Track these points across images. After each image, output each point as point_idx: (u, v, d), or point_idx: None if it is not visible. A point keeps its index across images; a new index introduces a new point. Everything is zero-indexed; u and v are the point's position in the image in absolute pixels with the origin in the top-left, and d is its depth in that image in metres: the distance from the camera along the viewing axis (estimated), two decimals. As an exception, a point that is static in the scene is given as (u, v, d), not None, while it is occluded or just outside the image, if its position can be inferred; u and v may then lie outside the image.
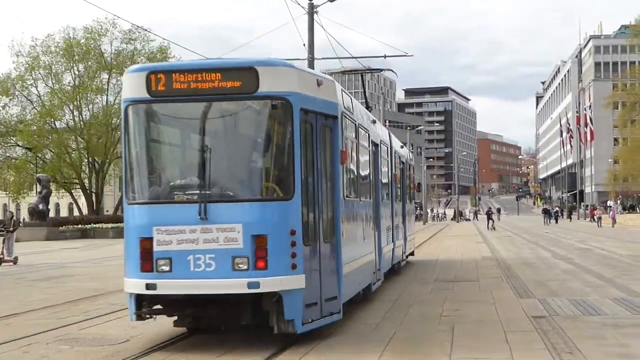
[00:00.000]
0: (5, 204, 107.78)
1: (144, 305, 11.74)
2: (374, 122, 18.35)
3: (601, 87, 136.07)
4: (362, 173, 15.65)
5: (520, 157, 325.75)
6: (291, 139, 11.39)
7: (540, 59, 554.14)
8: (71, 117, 75.02)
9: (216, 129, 11.95)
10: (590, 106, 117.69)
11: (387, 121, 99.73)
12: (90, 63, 75.45)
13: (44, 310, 16.43)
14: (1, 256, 31.16)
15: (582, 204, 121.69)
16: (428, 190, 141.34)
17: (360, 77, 24.73)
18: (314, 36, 31.64)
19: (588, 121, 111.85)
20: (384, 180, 20.02)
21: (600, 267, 25.18)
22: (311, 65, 31.73)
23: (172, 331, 13.13)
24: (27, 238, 55.00)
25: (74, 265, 30.49)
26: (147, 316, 11.96)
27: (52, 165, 73.07)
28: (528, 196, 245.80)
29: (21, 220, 73.30)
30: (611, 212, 78.51)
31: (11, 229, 32.17)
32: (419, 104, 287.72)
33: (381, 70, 25.82)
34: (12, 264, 30.63)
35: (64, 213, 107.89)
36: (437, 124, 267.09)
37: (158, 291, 11.31)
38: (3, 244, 31.84)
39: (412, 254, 29.33)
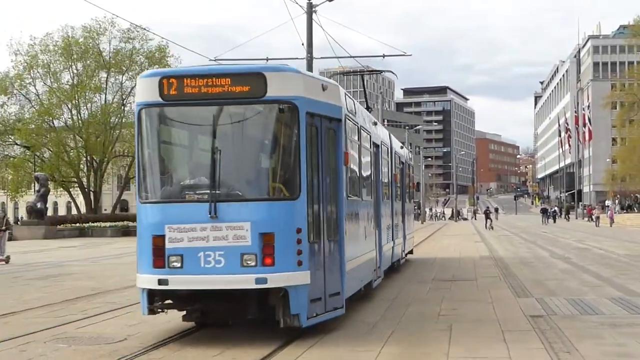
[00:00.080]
0: (4, 202, 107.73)
1: (156, 300, 12.21)
2: (375, 123, 18.80)
3: (600, 87, 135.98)
4: (364, 173, 16.19)
5: (518, 156, 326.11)
6: (297, 142, 11.85)
7: (538, 59, 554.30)
8: (69, 116, 75.05)
9: (225, 132, 12.27)
10: (588, 106, 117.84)
11: (386, 120, 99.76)
12: (88, 62, 75.41)
13: (42, 309, 16.41)
14: None
15: (581, 203, 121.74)
16: (426, 190, 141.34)
17: (360, 78, 24.92)
18: (312, 36, 31.65)
19: (586, 121, 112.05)
20: (385, 180, 20.45)
21: (598, 267, 25.20)
22: (310, 64, 31.75)
23: (170, 329, 13.17)
24: (25, 237, 55.05)
25: (71, 263, 30.47)
26: (159, 310, 12.40)
27: (51, 163, 72.99)
28: (526, 196, 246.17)
29: (19, 218, 73.25)
30: (609, 212, 78.54)
31: (3, 227, 32.10)
32: (418, 104, 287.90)
33: (381, 71, 26.56)
34: (3, 262, 30.55)
35: (62, 212, 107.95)
36: (436, 124, 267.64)
37: (170, 286, 11.75)
38: None
39: (411, 252, 29.83)
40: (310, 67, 31.85)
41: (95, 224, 63.54)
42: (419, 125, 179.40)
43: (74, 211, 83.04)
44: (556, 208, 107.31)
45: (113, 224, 64.07)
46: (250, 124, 12.54)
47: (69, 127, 74.34)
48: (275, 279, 11.45)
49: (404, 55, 34.81)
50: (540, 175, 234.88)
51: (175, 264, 11.66)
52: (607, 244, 40.19)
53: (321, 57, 35.23)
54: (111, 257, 34.34)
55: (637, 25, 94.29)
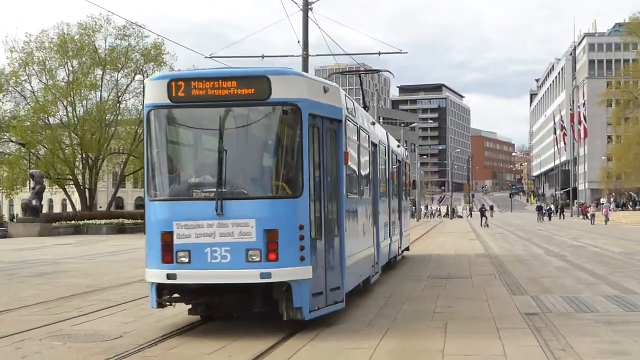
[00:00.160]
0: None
1: (165, 293, 12.68)
2: (373, 123, 19.37)
3: (595, 85, 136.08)
4: (363, 172, 16.76)
5: (513, 154, 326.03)
6: (300, 142, 12.35)
7: (534, 57, 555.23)
8: (65, 113, 74.82)
9: (231, 132, 12.69)
10: (584, 104, 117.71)
11: (381, 118, 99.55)
12: (84, 59, 75.23)
13: (37, 306, 16.39)
14: None
15: (576, 201, 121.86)
16: (422, 187, 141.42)
17: (358, 77, 25.35)
18: (308, 33, 31.66)
19: (582, 119, 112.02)
20: (382, 179, 20.97)
21: (593, 264, 25.23)
22: (305, 62, 31.76)
23: (166, 326, 13.19)
24: (20, 234, 55.01)
25: (66, 261, 30.44)
26: (167, 304, 12.90)
27: (46, 161, 72.84)
28: (521, 193, 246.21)
29: (14, 215, 73.13)
30: (604, 210, 78.62)
31: None
32: (413, 101, 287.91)
33: (379, 70, 27.44)
34: None
35: (57, 209, 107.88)
36: (431, 121, 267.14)
37: (178, 280, 12.21)
38: None
39: (407, 249, 30.24)
40: (305, 65, 31.85)
41: (90, 222, 63.40)
42: (414, 122, 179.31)
43: (69, 208, 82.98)
44: (552, 206, 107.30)
45: (108, 221, 63.96)
46: (255, 125, 12.96)
47: (64, 125, 74.17)
48: (279, 274, 11.93)
49: (399, 52, 34.86)
50: (535, 173, 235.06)
51: (183, 259, 12.12)
52: (602, 241, 40.23)
53: (317, 55, 35.29)
54: (106, 255, 34.32)
55: (632, 23, 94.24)
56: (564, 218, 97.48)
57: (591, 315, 13.90)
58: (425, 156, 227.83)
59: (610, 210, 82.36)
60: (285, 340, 11.84)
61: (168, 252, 12.22)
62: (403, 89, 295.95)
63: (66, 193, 78.78)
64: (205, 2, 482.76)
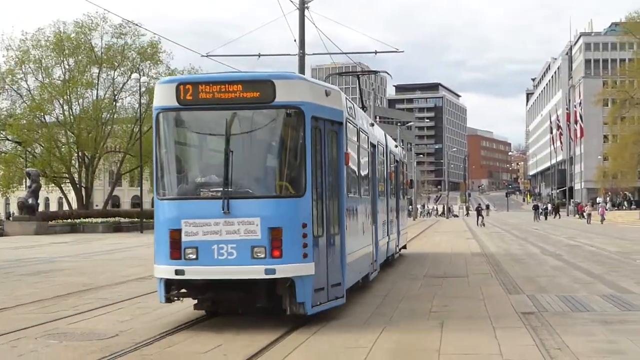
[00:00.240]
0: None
1: (173, 289, 13.11)
2: (372, 125, 19.97)
3: (591, 84, 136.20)
4: (362, 172, 17.26)
5: (510, 153, 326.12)
6: (303, 143, 12.82)
7: (530, 56, 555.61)
8: (61, 112, 74.64)
9: (237, 134, 13.12)
10: (580, 103, 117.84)
11: (378, 117, 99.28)
12: (80, 57, 75.08)
13: (33, 305, 16.38)
14: None
15: (572, 200, 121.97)
16: (418, 186, 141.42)
17: (357, 79, 25.64)
18: (304, 32, 31.64)
19: (578, 118, 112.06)
20: (381, 179, 21.47)
21: (589, 264, 25.26)
22: (302, 61, 31.74)
23: (162, 325, 13.18)
24: (16, 232, 54.95)
25: (63, 259, 30.41)
26: (175, 298, 13.32)
27: (42, 159, 72.71)
28: (518, 192, 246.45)
29: (10, 214, 73.02)
30: (600, 209, 78.68)
31: None
32: (410, 100, 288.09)
33: (377, 72, 28.24)
34: None
35: (53, 207, 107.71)
36: (428, 120, 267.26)
37: (186, 276, 12.68)
38: None
39: (404, 247, 30.67)
40: (302, 64, 31.84)
41: (86, 220, 63.29)
42: (410, 121, 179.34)
43: (65, 207, 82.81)
44: (549, 205, 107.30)
45: (104, 219, 63.89)
46: (260, 127, 13.46)
47: (60, 123, 74.02)
48: (283, 270, 12.38)
49: (396, 52, 34.78)
50: (531, 172, 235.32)
51: (190, 255, 12.57)
52: (599, 241, 40.27)
53: (313, 54, 35.28)
54: (103, 253, 34.29)
55: (628, 22, 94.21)
56: (559, 217, 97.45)
57: (587, 315, 13.92)
58: (421, 155, 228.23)
59: (606, 210, 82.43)
60: (281, 339, 11.85)
61: (176, 249, 12.66)
62: (399, 88, 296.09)
63: (62, 191, 78.66)
64: (201, 1, 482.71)
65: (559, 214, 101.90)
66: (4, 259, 30.58)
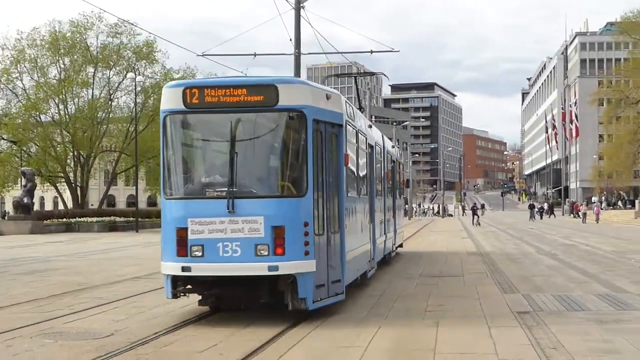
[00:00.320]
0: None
1: (179, 285, 13.64)
2: (370, 126, 20.49)
3: (587, 84, 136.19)
4: (361, 173, 17.78)
5: (505, 153, 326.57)
6: (305, 145, 13.32)
7: (526, 56, 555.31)
8: (56, 111, 74.50)
9: (241, 136, 13.58)
10: (575, 103, 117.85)
11: (374, 116, 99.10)
12: (76, 56, 74.96)
13: (28, 304, 16.37)
14: None
15: (567, 200, 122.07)
16: (413, 186, 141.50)
17: (353, 80, 25.87)
18: (300, 31, 31.65)
19: (573, 118, 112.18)
20: (378, 178, 21.94)
21: (585, 263, 25.29)
22: (298, 60, 31.75)
23: (157, 324, 13.18)
24: (11, 231, 54.88)
25: (58, 259, 30.40)
26: (181, 294, 13.85)
27: (37, 158, 72.60)
28: (513, 192, 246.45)
29: (5, 213, 72.87)
30: (595, 209, 78.73)
31: None
32: (405, 100, 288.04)
33: (374, 73, 28.64)
34: None
35: (48, 207, 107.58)
36: (423, 120, 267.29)
37: (192, 273, 13.19)
38: None
39: (401, 245, 31.13)
40: (298, 63, 31.85)
41: (82, 219, 63.28)
42: (406, 121, 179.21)
43: (60, 206, 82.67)
44: (545, 205, 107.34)
45: (100, 219, 63.86)
46: (263, 129, 13.97)
47: (55, 122, 73.90)
48: (286, 267, 12.89)
49: (391, 51, 34.75)
50: (527, 172, 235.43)
51: (196, 253, 13.06)
52: (594, 240, 40.30)
53: (309, 53, 35.42)
54: (98, 253, 34.27)
55: (624, 22, 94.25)
56: (554, 217, 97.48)
57: (582, 314, 13.93)
58: (417, 155, 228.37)
59: (601, 209, 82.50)
60: (276, 338, 11.85)
61: (183, 246, 13.13)
62: (395, 88, 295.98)
63: (58, 191, 78.52)
64: (198, 1, 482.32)
65: (554, 214, 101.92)
66: (-1, 259, 30.57)
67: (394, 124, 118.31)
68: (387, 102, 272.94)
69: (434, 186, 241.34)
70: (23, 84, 74.76)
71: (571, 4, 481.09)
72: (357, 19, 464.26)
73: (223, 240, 12.98)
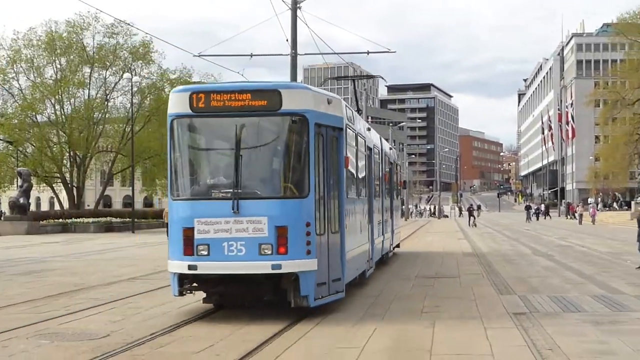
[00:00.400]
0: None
1: (185, 283, 14.12)
2: (369, 129, 21.02)
3: (583, 85, 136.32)
4: (360, 174, 18.23)
5: (502, 154, 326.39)
6: (307, 148, 13.80)
7: (522, 57, 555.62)
8: (53, 111, 74.36)
9: (246, 139, 13.98)
10: (572, 104, 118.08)
11: (370, 117, 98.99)
12: (72, 57, 74.83)
13: (24, 305, 16.35)
14: None
15: (563, 201, 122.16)
16: (410, 187, 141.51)
17: (352, 83, 26.12)
18: (297, 32, 31.66)
19: (570, 119, 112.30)
20: (376, 180, 22.47)
21: (581, 264, 25.32)
22: (294, 61, 31.75)
23: (153, 325, 13.16)
24: (7, 232, 54.76)
25: (54, 259, 30.35)
26: (187, 292, 14.30)
27: (33, 159, 72.48)
28: (509, 193, 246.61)
29: (1, 213, 72.73)
30: (591, 210, 78.79)
31: None
32: (402, 100, 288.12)
33: (373, 76, 28.91)
34: None
35: (44, 207, 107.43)
36: (420, 121, 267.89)
37: (198, 271, 13.63)
38: None
39: (397, 246, 31.38)
40: (294, 64, 31.86)
41: (78, 220, 63.11)
42: (402, 122, 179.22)
43: (56, 207, 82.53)
44: (542, 206, 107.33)
45: (96, 219, 63.73)
46: (267, 133, 14.37)
47: (52, 122, 73.78)
48: (288, 265, 13.36)
49: (388, 52, 34.78)
50: (523, 173, 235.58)
51: (202, 252, 13.53)
52: (590, 241, 40.35)
53: (305, 54, 35.37)
54: (94, 253, 34.24)
55: (620, 23, 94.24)
56: (550, 218, 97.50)
57: (578, 315, 13.95)
58: (413, 155, 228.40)
59: (597, 210, 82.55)
60: (272, 339, 11.85)
61: (189, 245, 13.58)
62: (391, 89, 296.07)
63: (54, 191, 78.44)
64: (194, 1, 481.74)
65: (549, 215, 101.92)
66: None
67: (391, 124, 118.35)
68: (384, 102, 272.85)
69: (431, 187, 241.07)
70: (19, 84, 74.69)
71: (567, 5, 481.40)
72: (354, 20, 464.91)
73: (228, 239, 13.41)
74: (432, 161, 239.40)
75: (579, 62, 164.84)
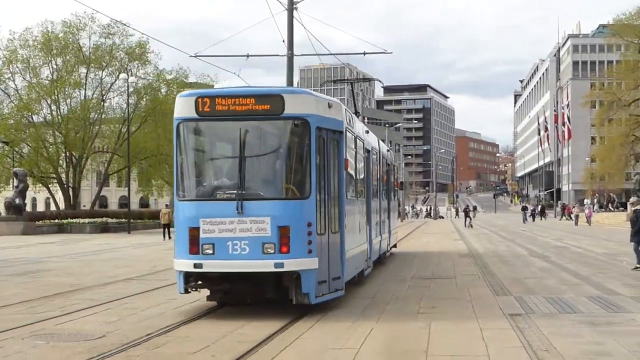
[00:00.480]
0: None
1: (191, 280, 14.51)
2: (367, 132, 21.38)
3: (579, 86, 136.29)
4: (359, 176, 18.81)
5: (498, 155, 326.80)
6: (308, 151, 14.28)
7: (518, 58, 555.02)
8: (49, 111, 74.27)
9: (249, 142, 14.42)
10: (568, 105, 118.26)
11: (366, 118, 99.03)
12: (68, 57, 74.74)
13: (20, 305, 16.33)
14: None
15: (559, 202, 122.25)
16: (406, 188, 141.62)
17: (350, 86, 26.29)
18: (293, 33, 31.63)
19: (566, 120, 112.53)
20: (374, 181, 23.04)
21: (577, 265, 25.34)
22: (290, 61, 31.73)
23: (149, 326, 13.15)
24: (3, 232, 54.74)
25: (50, 260, 30.34)
26: (193, 289, 14.73)
27: (29, 159, 72.40)
28: (505, 194, 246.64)
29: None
30: (587, 211, 78.83)
31: None
32: (398, 101, 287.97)
33: (370, 79, 29.26)
34: None
35: (40, 208, 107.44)
36: (416, 122, 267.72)
37: (203, 269, 14.09)
38: None
39: (394, 246, 31.76)
40: (290, 65, 31.83)
41: (74, 220, 63.10)
42: (399, 123, 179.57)
43: (52, 207, 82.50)
44: (536, 206, 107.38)
45: (92, 220, 63.71)
46: (270, 136, 15.01)
47: (48, 123, 73.72)
48: (290, 264, 13.79)
49: (384, 52, 34.76)
50: (519, 174, 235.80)
51: (208, 251, 13.98)
52: (586, 242, 40.36)
53: (302, 55, 35.43)
54: (90, 254, 34.22)
55: (616, 24, 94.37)
56: (545, 219, 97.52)
57: (574, 316, 13.96)
58: (409, 156, 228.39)
59: (593, 212, 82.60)
60: (268, 340, 11.85)
61: (195, 244, 14.04)
62: (388, 89, 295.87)
63: (50, 192, 78.36)
64: (190, 2, 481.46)
65: (544, 216, 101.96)
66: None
67: (387, 125, 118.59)
68: (380, 103, 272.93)
69: (427, 188, 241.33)
70: (15, 84, 74.59)
71: (564, 5, 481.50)
72: (350, 20, 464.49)
73: (232, 239, 13.88)
74: (428, 162, 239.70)
75: (575, 63, 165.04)
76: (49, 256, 32.48)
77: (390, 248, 29.62)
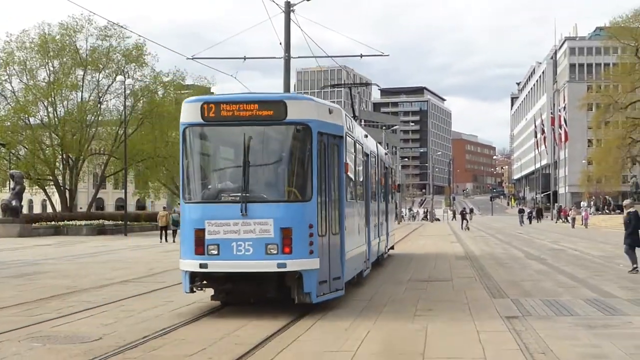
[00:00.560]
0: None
1: (196, 280, 14.98)
2: (366, 136, 21.81)
3: (576, 89, 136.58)
4: (358, 179, 19.22)
5: (494, 157, 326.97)
6: (310, 156, 14.74)
7: (515, 60, 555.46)
8: (45, 114, 74.30)
9: (253, 147, 14.87)
10: (564, 107, 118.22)
11: (363, 121, 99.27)
12: (65, 59, 74.73)
13: (16, 308, 16.31)
14: None
15: (556, 204, 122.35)
16: (403, 190, 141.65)
17: (349, 90, 26.50)
18: (290, 35, 31.69)
19: (562, 122, 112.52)
20: (373, 184, 23.39)
21: (573, 268, 25.35)
22: (287, 64, 31.77)
23: (146, 328, 13.13)
24: (-1, 234, 54.67)
25: (46, 262, 30.29)
26: (198, 289, 15.16)
27: (26, 161, 72.37)
28: (502, 197, 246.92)
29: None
30: (584, 213, 78.90)
31: None
32: (395, 104, 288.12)
33: (368, 84, 29.75)
34: None
35: (37, 210, 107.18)
36: (413, 124, 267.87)
37: (208, 269, 14.54)
38: None
39: (392, 248, 32.14)
40: (287, 67, 31.87)
41: (70, 223, 63.03)
42: (395, 125, 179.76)
43: (49, 209, 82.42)
44: (532, 209, 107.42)
45: (88, 222, 63.64)
46: (273, 141, 15.46)
47: (44, 125, 73.73)
48: (293, 264, 14.24)
49: (381, 55, 34.81)
50: (516, 176, 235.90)
51: (213, 251, 14.43)
52: (582, 245, 40.41)
53: (299, 57, 35.21)
54: (86, 256, 34.19)
55: (613, 27, 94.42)
56: (542, 222, 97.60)
57: (571, 319, 13.97)
58: (406, 159, 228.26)
59: (590, 214, 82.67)
60: (265, 343, 11.83)
61: (200, 245, 14.50)
62: (385, 92, 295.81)
63: (46, 194, 78.35)
64: (187, 4, 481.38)
65: (541, 219, 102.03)
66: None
67: (384, 128, 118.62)
68: (377, 106, 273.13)
69: (423, 190, 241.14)
70: (12, 86, 74.59)
71: (560, 8, 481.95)
72: (347, 23, 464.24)
73: (237, 240, 14.32)
74: (425, 164, 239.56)
75: (572, 66, 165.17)
76: (46, 258, 32.43)
77: (388, 250, 29.88)
